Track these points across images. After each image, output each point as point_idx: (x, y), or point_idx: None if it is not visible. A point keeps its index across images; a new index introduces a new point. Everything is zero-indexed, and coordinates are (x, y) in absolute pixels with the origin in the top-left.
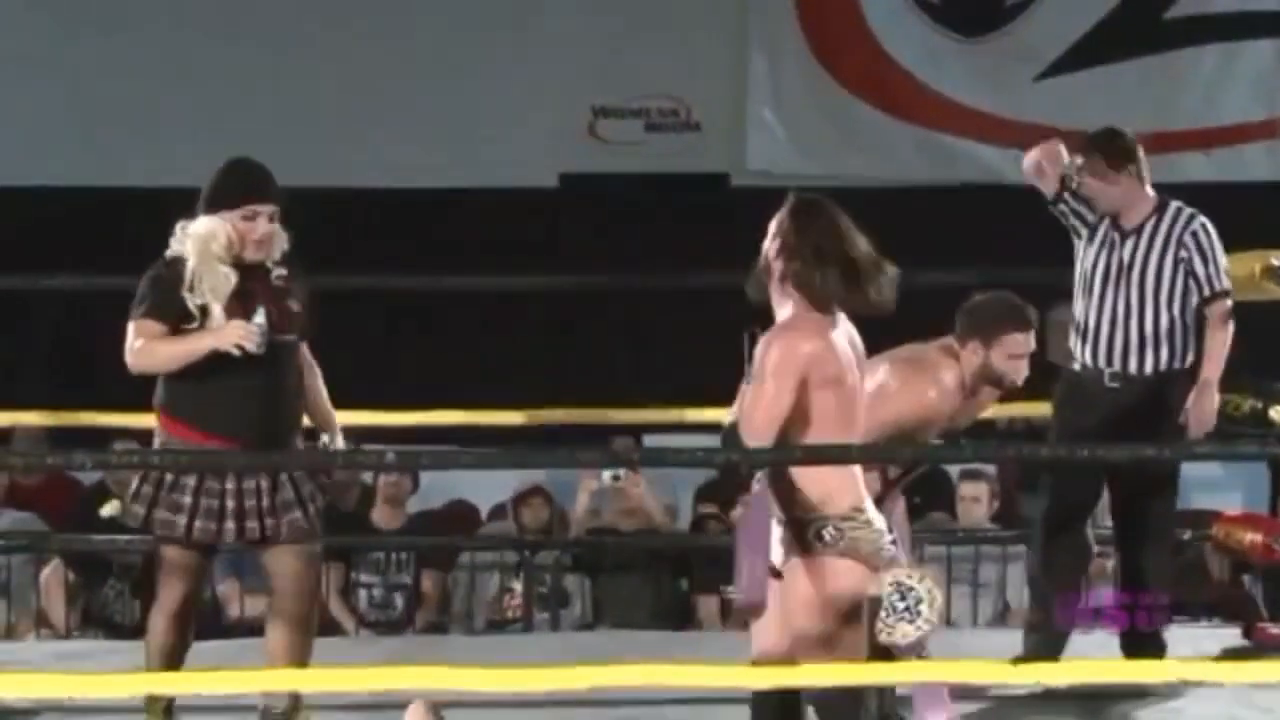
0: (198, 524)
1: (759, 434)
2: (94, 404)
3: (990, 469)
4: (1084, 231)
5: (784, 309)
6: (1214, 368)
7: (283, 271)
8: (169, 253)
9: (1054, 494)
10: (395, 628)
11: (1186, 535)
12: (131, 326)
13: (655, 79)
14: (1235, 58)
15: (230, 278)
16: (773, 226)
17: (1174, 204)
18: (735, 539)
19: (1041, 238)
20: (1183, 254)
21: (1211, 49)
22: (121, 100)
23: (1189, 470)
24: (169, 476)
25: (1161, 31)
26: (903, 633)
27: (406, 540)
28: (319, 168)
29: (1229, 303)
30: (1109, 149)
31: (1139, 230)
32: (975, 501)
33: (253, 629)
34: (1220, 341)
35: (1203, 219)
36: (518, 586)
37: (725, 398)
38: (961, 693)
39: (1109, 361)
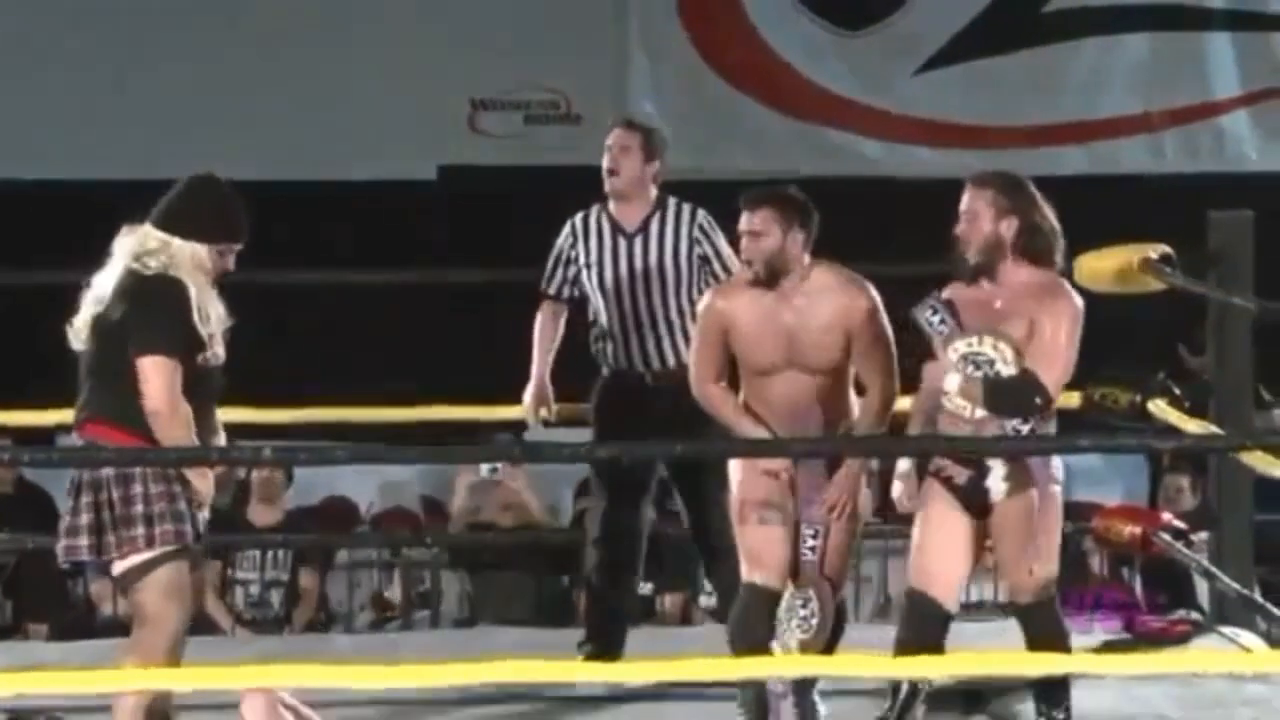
0: (189, 528)
1: (1057, 395)
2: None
3: (871, 464)
4: (580, 234)
5: (1015, 276)
6: None
7: None
8: (152, 267)
9: (611, 491)
10: (273, 626)
11: (1068, 529)
12: (161, 364)
13: (535, 71)
14: (1112, 51)
15: (222, 308)
16: (985, 205)
17: (672, 200)
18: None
19: (922, 230)
20: (698, 249)
21: (1089, 43)
22: None
23: (1069, 463)
24: (155, 487)
25: (1040, 25)
26: (798, 641)
27: (283, 538)
28: (190, 159)
29: None
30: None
31: (644, 229)
32: None
33: (126, 628)
34: None
35: (703, 211)
36: (395, 584)
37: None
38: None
39: (646, 363)
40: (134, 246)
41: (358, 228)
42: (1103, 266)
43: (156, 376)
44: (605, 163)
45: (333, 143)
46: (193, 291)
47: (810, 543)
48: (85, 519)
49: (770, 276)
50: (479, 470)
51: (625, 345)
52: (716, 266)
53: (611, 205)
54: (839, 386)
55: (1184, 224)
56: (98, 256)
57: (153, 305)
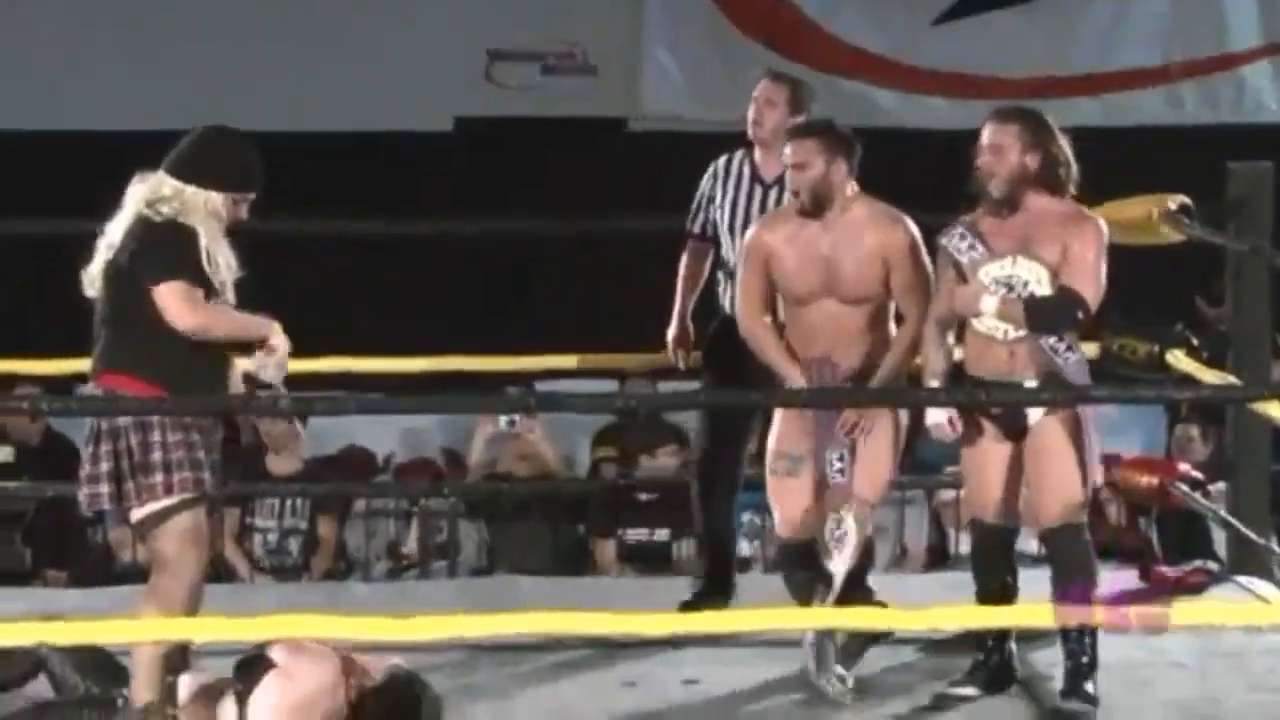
0: (208, 475)
1: (1095, 309)
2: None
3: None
4: (721, 176)
5: (1037, 205)
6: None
7: None
8: (164, 214)
9: (708, 437)
10: (291, 573)
11: None
12: (176, 287)
13: (551, 22)
14: (1130, 3)
15: (233, 257)
16: (1012, 138)
17: None
18: None
19: (936, 181)
20: None
21: None
22: None
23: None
24: (173, 435)
25: None
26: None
27: (301, 487)
28: (204, 109)
29: None
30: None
31: (781, 181)
32: None
33: (145, 575)
34: None
35: None
36: (413, 533)
37: (620, 344)
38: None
39: None
40: (146, 194)
41: (372, 179)
42: (1121, 217)
43: (175, 300)
44: (750, 113)
45: (348, 94)
46: (203, 239)
47: (837, 465)
48: (105, 467)
49: (815, 207)
50: (497, 424)
51: None
52: None
53: (756, 152)
54: (877, 319)
55: (1203, 175)
56: (111, 206)
57: (162, 244)
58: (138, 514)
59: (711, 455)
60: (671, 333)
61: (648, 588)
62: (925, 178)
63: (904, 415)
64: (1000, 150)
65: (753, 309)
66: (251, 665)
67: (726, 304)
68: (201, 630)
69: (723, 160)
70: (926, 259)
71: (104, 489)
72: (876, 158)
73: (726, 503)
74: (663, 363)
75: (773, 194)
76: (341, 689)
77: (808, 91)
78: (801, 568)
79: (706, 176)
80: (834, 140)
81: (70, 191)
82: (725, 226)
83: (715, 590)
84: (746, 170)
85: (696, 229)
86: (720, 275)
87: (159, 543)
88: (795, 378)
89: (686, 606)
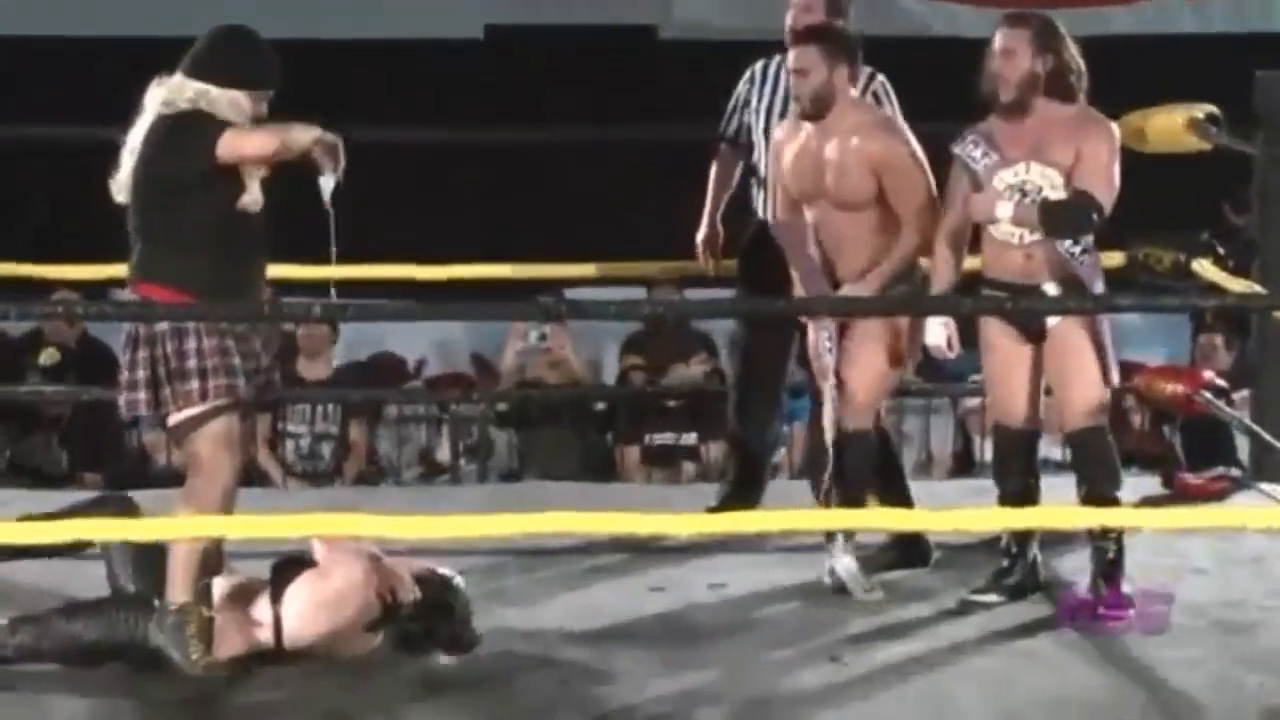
0: (242, 382)
1: (1109, 211)
2: (20, 256)
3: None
4: (757, 80)
5: (1049, 110)
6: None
7: None
8: (184, 104)
9: (748, 347)
10: (323, 478)
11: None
12: (226, 138)
13: None
14: None
15: None
16: (1024, 43)
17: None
18: None
19: (963, 90)
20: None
21: None
22: None
23: (1112, 321)
24: (208, 342)
25: None
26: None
27: (333, 392)
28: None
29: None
30: None
31: None
32: None
33: (180, 478)
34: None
35: (882, 76)
36: (444, 440)
37: (648, 252)
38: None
39: None
40: (165, 96)
41: (402, 87)
42: (1149, 126)
43: (235, 143)
44: (788, 20)
45: (379, 1)
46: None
47: (827, 344)
48: (142, 374)
49: (817, 111)
50: (528, 338)
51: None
52: None
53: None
54: (878, 225)
55: (1231, 84)
56: (133, 112)
57: (193, 126)
58: (174, 419)
59: (748, 360)
60: (701, 234)
61: (675, 493)
62: (952, 86)
63: (903, 323)
64: (1012, 55)
65: (778, 206)
66: (287, 566)
67: (759, 209)
68: (235, 528)
69: (759, 65)
70: (923, 172)
71: (142, 395)
72: (905, 66)
73: (762, 409)
74: (690, 271)
75: None
76: (374, 587)
77: None
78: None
79: (743, 80)
80: (836, 45)
81: (95, 97)
82: (760, 131)
83: (743, 495)
84: (783, 74)
85: (730, 132)
86: (753, 181)
87: (194, 447)
88: (810, 278)
89: (714, 510)
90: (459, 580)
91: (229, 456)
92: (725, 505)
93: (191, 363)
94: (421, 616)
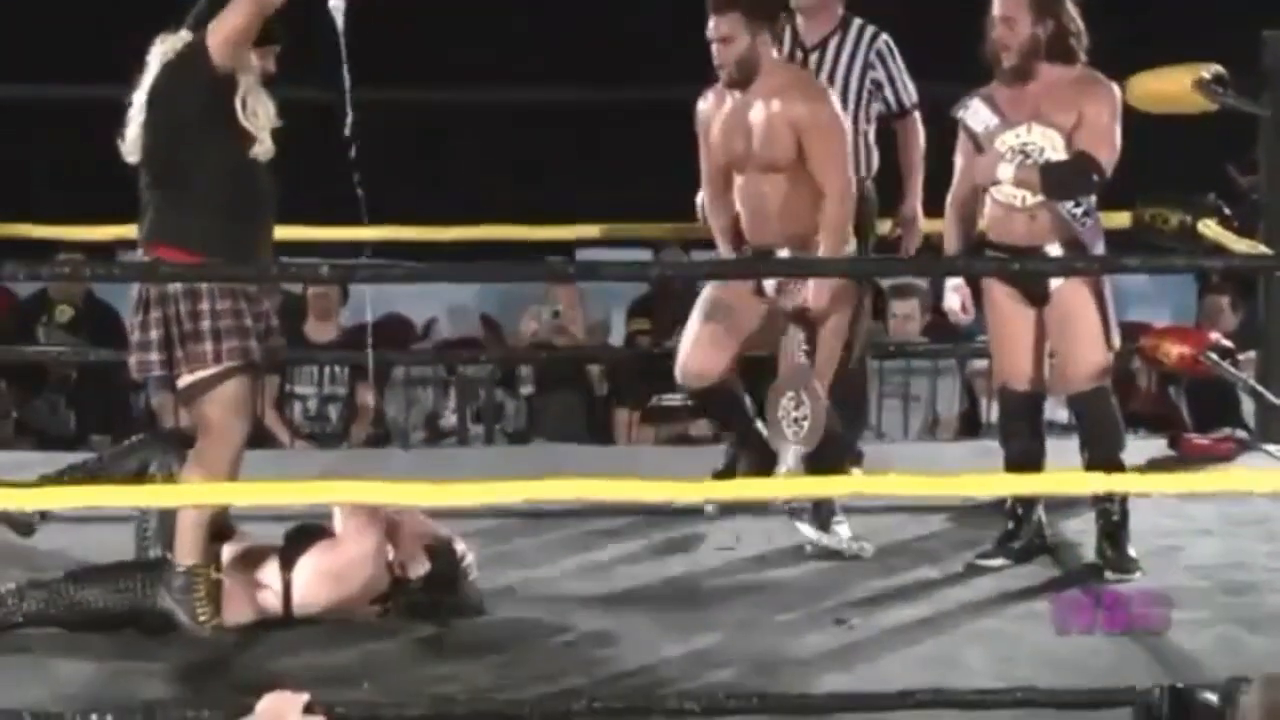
0: (254, 344)
1: (1110, 172)
2: (27, 217)
3: (923, 284)
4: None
5: (1050, 74)
6: (917, 185)
7: None
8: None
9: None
10: (331, 440)
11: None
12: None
13: None
14: None
15: (271, 107)
16: (1023, 9)
17: (856, 20)
18: None
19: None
20: (871, 72)
21: None
22: None
23: (1118, 282)
24: (221, 303)
25: None
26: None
27: (340, 354)
28: None
29: (919, 116)
30: None
31: (823, 45)
32: (907, 319)
33: (186, 440)
34: (918, 158)
35: (885, 35)
36: (451, 403)
37: (656, 213)
38: (890, 504)
39: None
40: (167, 50)
41: (401, 47)
42: (1156, 87)
43: (222, 29)
44: None
45: None
46: (241, 88)
47: (804, 347)
48: (155, 334)
49: (743, 77)
50: (542, 319)
51: None
52: (888, 92)
53: (797, 17)
54: (804, 191)
55: (1238, 44)
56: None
57: (183, 62)
58: (185, 380)
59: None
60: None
61: (681, 455)
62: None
63: (848, 307)
64: (1012, 22)
65: (705, 181)
66: (302, 533)
67: None
68: (242, 495)
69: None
70: (843, 137)
71: (154, 356)
72: (906, 23)
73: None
74: (694, 233)
75: (813, 59)
76: (384, 561)
77: None
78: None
79: None
80: (756, 11)
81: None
82: None
83: (754, 459)
84: (788, 35)
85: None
86: None
87: (205, 409)
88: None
89: (720, 475)
90: (465, 551)
91: (239, 420)
92: (732, 469)
93: (205, 324)
94: (429, 587)
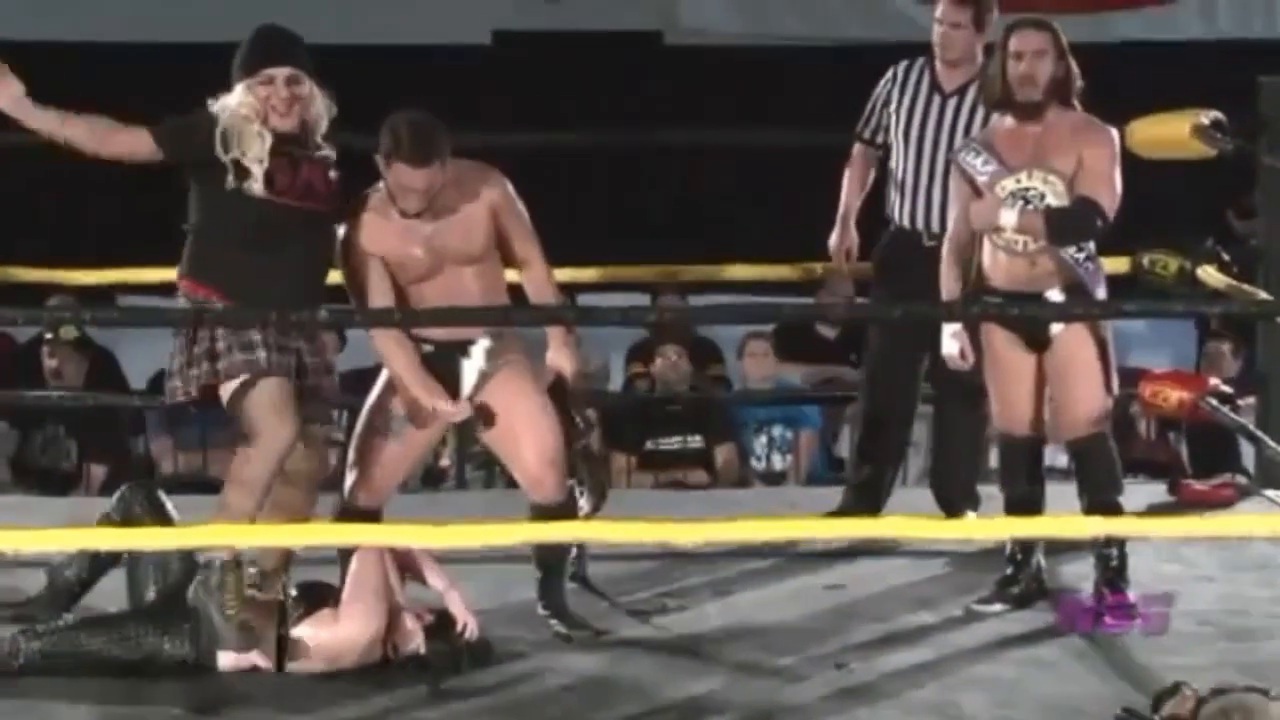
0: (275, 357)
1: (1112, 217)
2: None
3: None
4: (899, 82)
5: (1053, 117)
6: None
7: (327, 151)
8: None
9: (875, 363)
10: (329, 484)
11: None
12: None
13: None
14: None
15: (265, 136)
16: (1050, 44)
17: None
18: None
19: None
20: None
21: None
22: None
23: (1118, 328)
24: (218, 332)
25: None
26: None
27: (340, 399)
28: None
29: None
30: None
31: (961, 92)
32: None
33: (185, 485)
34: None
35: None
36: (449, 445)
37: (656, 255)
38: (886, 549)
39: (927, 223)
40: None
41: (408, 92)
42: (1154, 132)
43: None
44: (935, 36)
45: (386, 7)
46: (223, 124)
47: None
48: (201, 348)
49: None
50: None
51: (913, 201)
52: None
53: (937, 64)
54: (493, 277)
55: (1235, 90)
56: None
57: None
58: (225, 390)
59: (883, 371)
60: (834, 238)
61: (685, 499)
62: None
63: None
64: (1042, 56)
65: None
66: (310, 593)
67: (895, 214)
68: (247, 537)
69: (902, 65)
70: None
71: (204, 367)
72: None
73: (893, 430)
74: (692, 276)
75: (950, 104)
76: (379, 642)
77: (987, 6)
78: None
79: (884, 81)
80: (444, 142)
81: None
82: (900, 133)
83: (864, 502)
84: (926, 79)
85: (867, 134)
86: (890, 185)
87: (247, 414)
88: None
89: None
90: (467, 623)
91: (280, 422)
92: (845, 512)
93: (229, 341)
94: (425, 661)
